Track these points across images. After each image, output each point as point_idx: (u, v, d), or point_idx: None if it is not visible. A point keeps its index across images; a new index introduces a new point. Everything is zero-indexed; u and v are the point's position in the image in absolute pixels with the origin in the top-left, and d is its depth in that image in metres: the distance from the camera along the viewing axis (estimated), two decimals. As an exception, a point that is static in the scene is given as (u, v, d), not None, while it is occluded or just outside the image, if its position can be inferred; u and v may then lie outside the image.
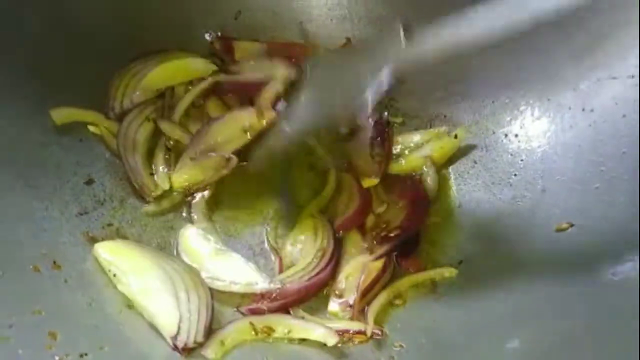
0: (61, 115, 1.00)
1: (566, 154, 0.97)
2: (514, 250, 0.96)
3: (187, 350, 0.83)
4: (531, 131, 1.04)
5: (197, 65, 1.14)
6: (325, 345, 0.86)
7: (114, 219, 1.00)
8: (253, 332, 0.88)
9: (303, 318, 0.91)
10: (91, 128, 1.05)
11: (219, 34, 1.20)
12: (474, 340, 0.85)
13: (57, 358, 0.72)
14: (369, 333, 0.88)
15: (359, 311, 0.93)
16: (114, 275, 0.89)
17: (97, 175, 1.03)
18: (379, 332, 0.88)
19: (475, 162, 1.09)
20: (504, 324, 0.85)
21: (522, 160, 1.03)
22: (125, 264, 0.89)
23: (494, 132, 1.08)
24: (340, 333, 0.87)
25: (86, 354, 0.75)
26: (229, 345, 0.86)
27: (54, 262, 0.87)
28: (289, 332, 0.88)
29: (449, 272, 0.97)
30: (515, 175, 1.03)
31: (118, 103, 1.09)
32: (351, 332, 0.89)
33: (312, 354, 0.87)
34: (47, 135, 0.99)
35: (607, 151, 0.92)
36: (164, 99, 1.13)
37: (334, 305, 0.94)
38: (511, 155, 1.05)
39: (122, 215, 1.02)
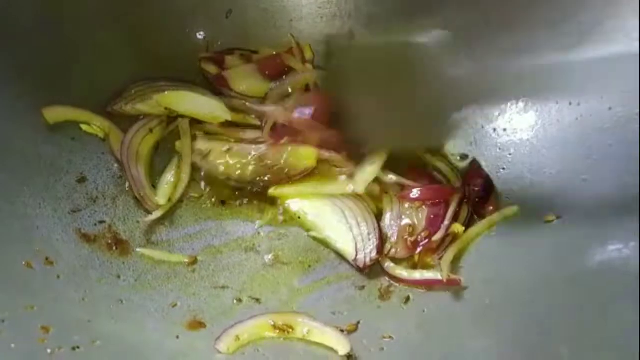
0: (53, 114, 1.01)
1: (553, 148, 0.99)
2: (504, 243, 0.97)
3: (367, 268, 0.98)
4: (519, 125, 1.05)
5: (214, 109, 1.13)
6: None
7: (106, 216, 1.01)
8: (273, 330, 0.90)
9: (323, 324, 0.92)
10: (83, 127, 1.06)
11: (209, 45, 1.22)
12: (464, 331, 0.86)
13: (49, 351, 0.73)
14: (445, 279, 0.92)
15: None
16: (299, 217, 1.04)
17: (89, 173, 1.04)
18: (458, 280, 0.92)
19: (465, 157, 1.10)
20: (493, 315, 0.86)
21: (510, 154, 1.04)
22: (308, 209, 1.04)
23: (482, 127, 1.09)
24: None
25: (78, 347, 0.76)
26: (244, 341, 0.87)
27: (47, 259, 0.88)
28: (308, 332, 0.90)
29: (510, 210, 0.99)
30: (503, 169, 1.04)
31: (123, 103, 1.11)
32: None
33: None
34: (40, 134, 1.00)
35: (594, 144, 0.93)
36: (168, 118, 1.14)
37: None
38: (500, 149, 1.06)
39: (114, 213, 1.02)
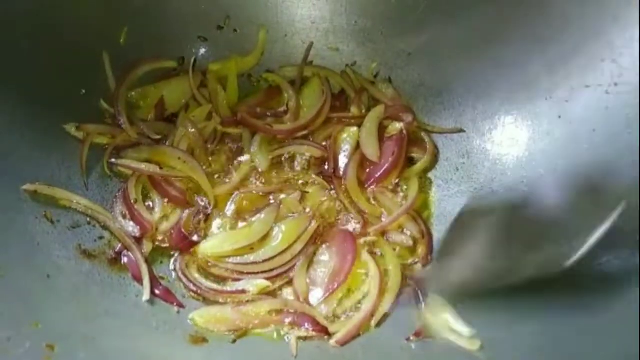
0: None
1: (545, 160, 1.01)
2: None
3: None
4: (510, 139, 1.07)
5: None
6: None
7: (105, 232, 1.01)
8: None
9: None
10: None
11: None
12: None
13: (55, 370, 0.73)
14: None
15: None
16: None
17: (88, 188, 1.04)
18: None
19: (457, 169, 1.13)
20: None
21: (503, 167, 1.07)
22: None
23: (474, 140, 1.12)
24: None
25: (84, 365, 0.76)
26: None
27: (48, 276, 0.88)
28: None
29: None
30: (496, 181, 1.06)
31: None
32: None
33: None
34: (39, 150, 1.00)
35: (585, 158, 0.95)
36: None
37: None
38: (492, 162, 1.09)
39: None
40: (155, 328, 0.90)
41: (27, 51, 0.99)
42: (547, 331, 0.82)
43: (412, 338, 0.91)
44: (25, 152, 0.97)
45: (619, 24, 0.87)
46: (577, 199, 0.92)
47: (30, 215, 0.93)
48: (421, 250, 1.05)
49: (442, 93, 1.17)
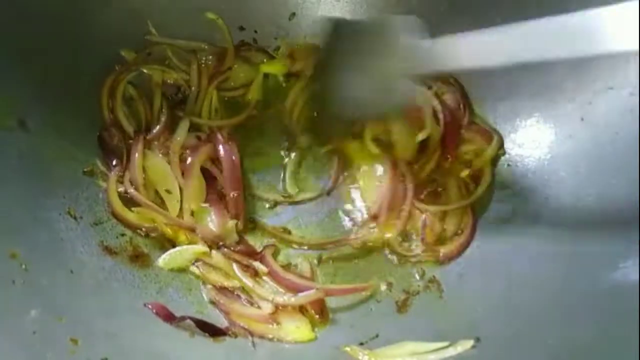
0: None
1: (567, 163, 1.00)
2: (516, 257, 0.98)
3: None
4: (532, 141, 1.07)
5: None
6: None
7: (127, 229, 1.03)
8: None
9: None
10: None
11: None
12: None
13: (81, 363, 0.75)
14: None
15: None
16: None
17: (110, 187, 1.05)
18: None
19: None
20: (508, 330, 0.88)
21: (524, 169, 1.06)
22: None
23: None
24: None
25: (106, 359, 0.77)
26: None
27: (72, 271, 0.89)
28: None
29: None
30: (517, 184, 1.06)
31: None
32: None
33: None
34: (61, 150, 1.02)
35: (606, 161, 0.95)
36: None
37: None
38: (512, 164, 1.08)
39: (135, 225, 1.04)
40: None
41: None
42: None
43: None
44: (53, 151, 0.99)
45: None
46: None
47: (53, 212, 0.94)
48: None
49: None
